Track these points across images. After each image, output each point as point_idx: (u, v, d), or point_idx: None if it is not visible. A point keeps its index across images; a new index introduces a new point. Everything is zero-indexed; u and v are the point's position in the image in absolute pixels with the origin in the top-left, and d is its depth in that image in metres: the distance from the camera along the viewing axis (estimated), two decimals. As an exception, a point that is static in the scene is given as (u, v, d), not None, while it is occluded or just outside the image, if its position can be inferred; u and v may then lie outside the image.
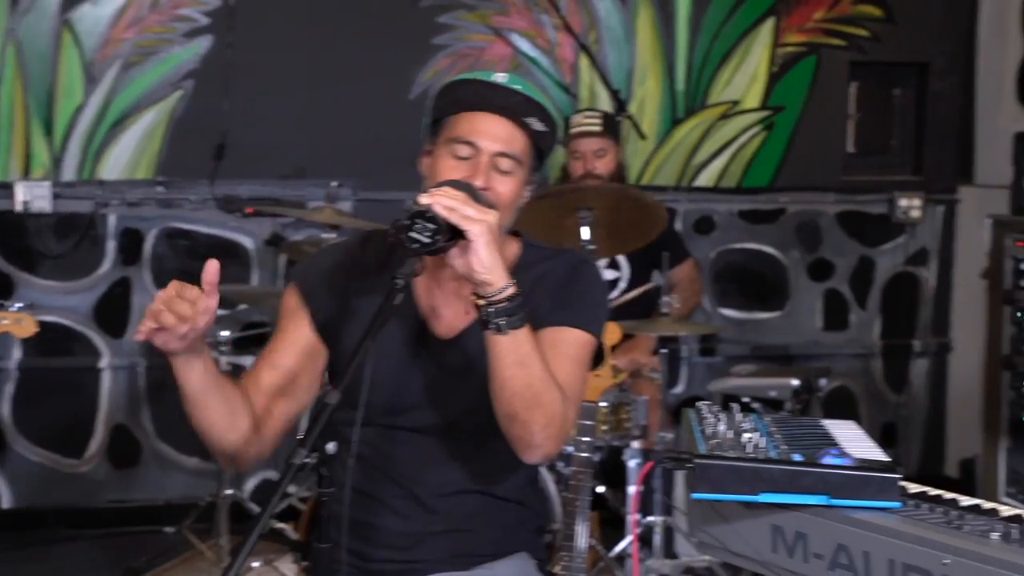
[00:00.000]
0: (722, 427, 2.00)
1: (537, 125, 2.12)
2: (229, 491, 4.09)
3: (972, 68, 5.31)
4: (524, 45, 4.95)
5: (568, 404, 2.04)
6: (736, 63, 5.14)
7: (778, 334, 5.26)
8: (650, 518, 3.75)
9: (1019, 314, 3.88)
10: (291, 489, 4.21)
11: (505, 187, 2.09)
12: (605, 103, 4.92)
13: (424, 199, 1.91)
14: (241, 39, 4.66)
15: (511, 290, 1.95)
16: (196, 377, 1.96)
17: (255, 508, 4.29)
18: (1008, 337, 3.93)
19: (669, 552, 3.85)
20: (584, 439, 2.89)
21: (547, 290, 2.12)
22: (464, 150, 2.09)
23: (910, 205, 5.28)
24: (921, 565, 1.72)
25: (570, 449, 3.01)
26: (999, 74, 5.06)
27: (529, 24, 4.95)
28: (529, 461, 2.10)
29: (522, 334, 1.96)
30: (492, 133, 2.09)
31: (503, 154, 2.09)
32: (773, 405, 3.95)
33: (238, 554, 1.66)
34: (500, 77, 2.14)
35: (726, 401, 3.85)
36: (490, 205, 1.99)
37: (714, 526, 1.99)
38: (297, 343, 2.17)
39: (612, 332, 2.79)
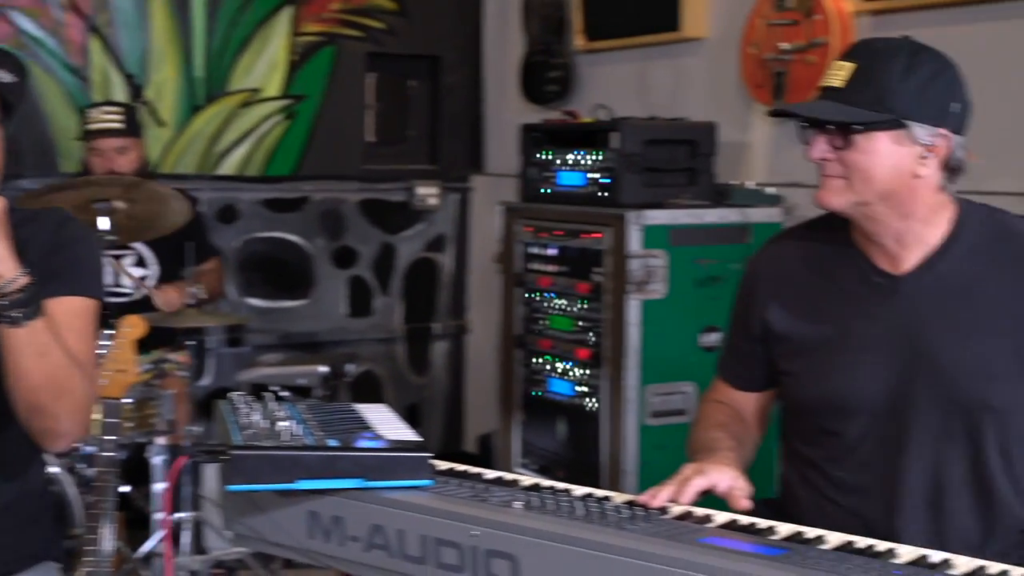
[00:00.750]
0: (256, 417, 1.99)
1: (5, 77, 2.00)
2: None
3: (480, 62, 5.60)
4: (27, 24, 4.64)
5: (89, 383, 1.98)
6: (255, 50, 5.10)
7: (305, 322, 5.30)
8: (178, 514, 3.67)
9: (529, 295, 4.13)
10: None
11: None
12: (119, 88, 4.73)
13: None
14: None
15: (24, 279, 1.83)
16: None
17: None
18: (520, 318, 4.17)
19: (198, 548, 3.79)
20: (108, 438, 2.76)
21: (35, 258, 1.95)
22: None
23: (427, 193, 5.49)
24: (451, 538, 1.79)
25: (92, 449, 2.88)
26: (504, 69, 5.36)
27: (32, 2, 4.64)
28: (56, 450, 2.03)
29: (40, 323, 1.86)
30: None
31: None
32: (302, 392, 3.97)
33: None
34: None
35: (255, 391, 3.83)
36: None
37: (251, 517, 1.97)
38: None
39: (139, 325, 2.68)
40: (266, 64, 5.13)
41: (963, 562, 1.66)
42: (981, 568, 1.64)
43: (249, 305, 5.18)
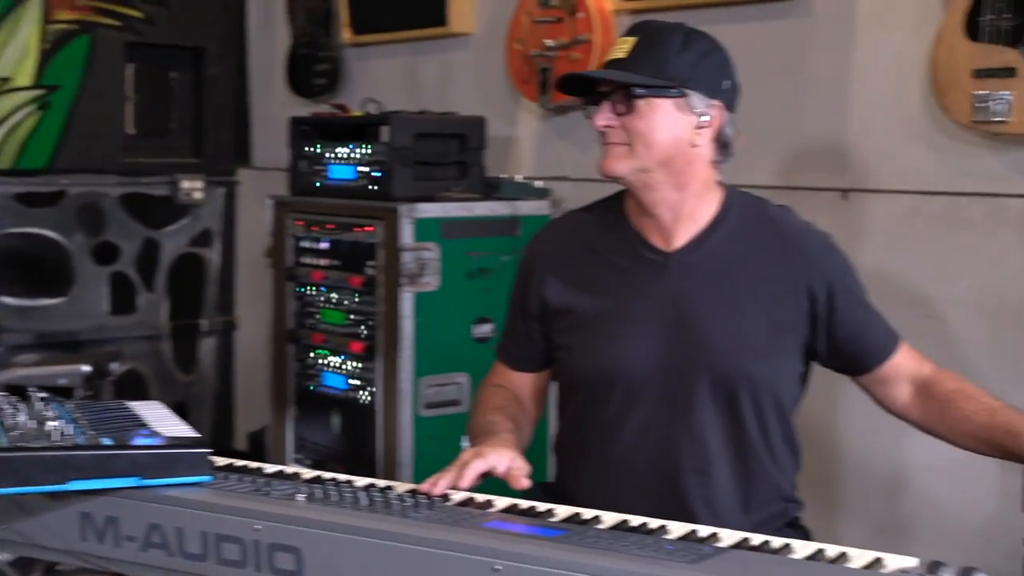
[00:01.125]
0: (23, 417, 1.92)
1: None
2: None
3: (244, 54, 5.50)
4: None
5: None
6: (3, 38, 4.87)
7: (64, 320, 5.10)
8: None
9: (300, 289, 4.10)
10: None
11: None
12: None
13: None
14: None
15: None
16: None
17: None
18: (292, 312, 4.13)
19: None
20: None
21: None
22: None
23: (192, 187, 5.36)
24: (233, 533, 1.77)
25: None
26: (270, 61, 5.29)
27: None
28: None
29: None
30: None
31: None
32: (63, 393, 3.80)
33: None
34: None
35: (12, 392, 3.67)
36: None
37: (17, 521, 1.90)
38: None
39: None
40: (16, 52, 4.90)
41: (728, 535, 1.75)
42: (745, 539, 1.73)
43: (2, 304, 4.95)
